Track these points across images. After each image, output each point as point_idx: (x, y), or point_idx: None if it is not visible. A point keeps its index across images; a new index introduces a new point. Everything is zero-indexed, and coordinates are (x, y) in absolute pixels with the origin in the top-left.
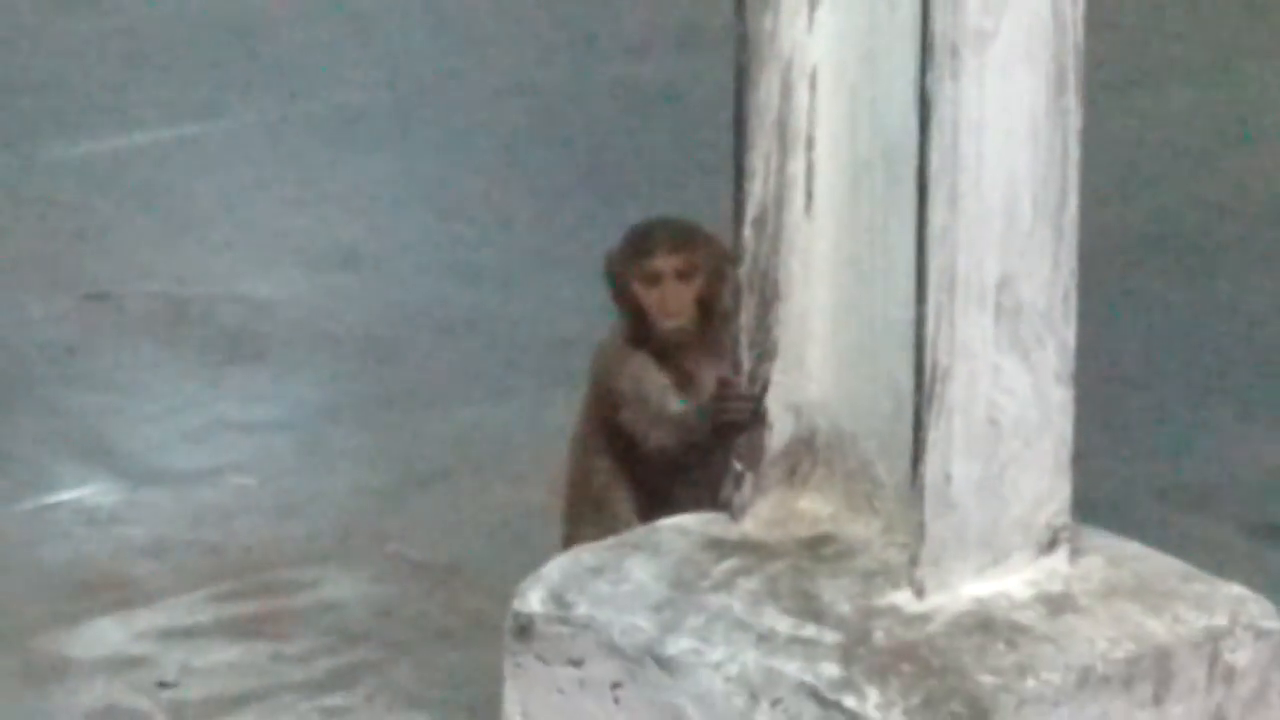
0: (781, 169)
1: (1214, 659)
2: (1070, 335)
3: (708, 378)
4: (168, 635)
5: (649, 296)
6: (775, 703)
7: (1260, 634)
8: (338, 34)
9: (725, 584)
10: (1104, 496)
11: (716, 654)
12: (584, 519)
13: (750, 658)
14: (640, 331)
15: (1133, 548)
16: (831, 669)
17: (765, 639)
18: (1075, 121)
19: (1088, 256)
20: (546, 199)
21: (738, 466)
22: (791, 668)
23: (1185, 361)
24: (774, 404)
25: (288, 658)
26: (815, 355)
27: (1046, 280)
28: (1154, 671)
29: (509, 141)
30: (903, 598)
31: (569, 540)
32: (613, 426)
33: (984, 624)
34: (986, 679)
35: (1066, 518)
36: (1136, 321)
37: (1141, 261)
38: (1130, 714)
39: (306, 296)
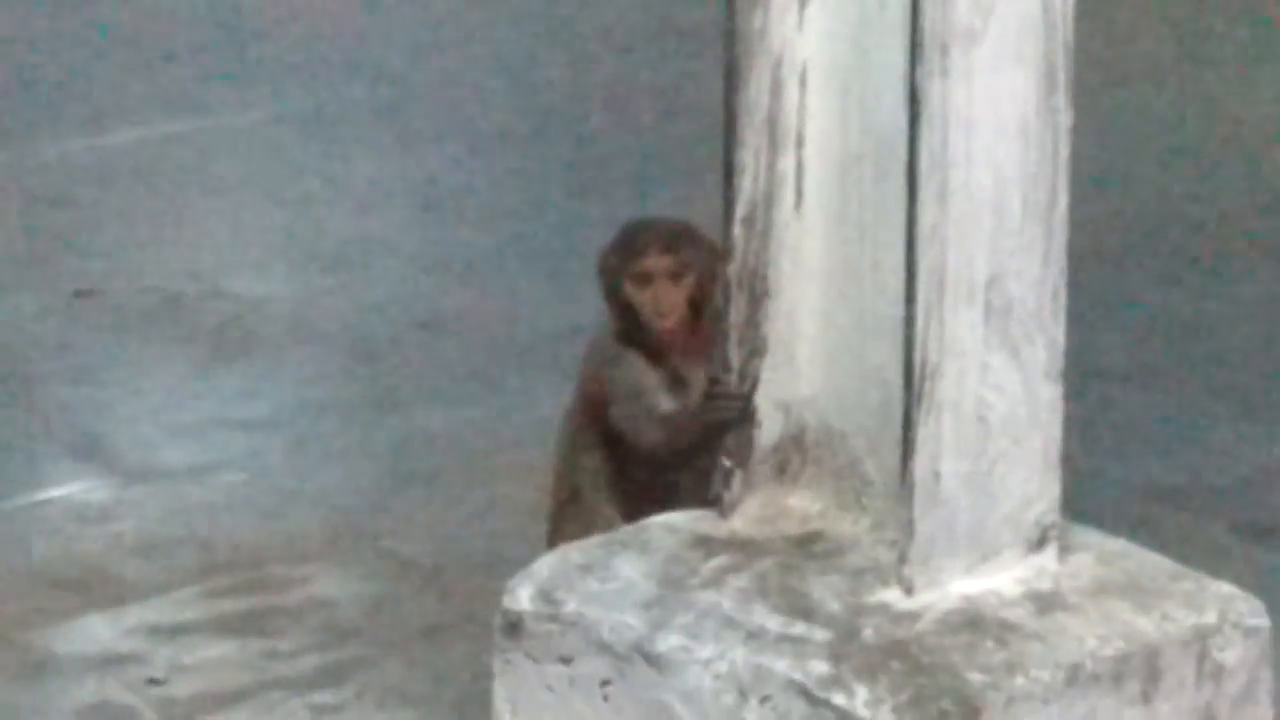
0: (771, 166)
1: (1203, 657)
2: (1060, 333)
3: (698, 377)
4: (157, 632)
5: (640, 296)
6: (764, 700)
7: (1249, 632)
8: (326, 32)
9: (714, 581)
10: (1093, 494)
11: (706, 651)
12: (570, 516)
13: (739, 655)
14: (631, 330)
15: (1122, 546)
16: (820, 666)
17: (754, 636)
18: (1065, 119)
19: (1078, 254)
20: (535, 196)
21: (727, 464)
22: (780, 665)
23: (1175, 359)
24: (763, 401)
25: (277, 655)
26: (805, 353)
27: (1036, 278)
28: (1143, 669)
29: (497, 139)
30: (892, 595)
31: (554, 538)
32: (601, 424)
33: (973, 622)
34: (975, 676)
35: (1056, 515)
36: (1127, 319)
37: (1132, 259)
38: (1119, 712)
39: (296, 294)
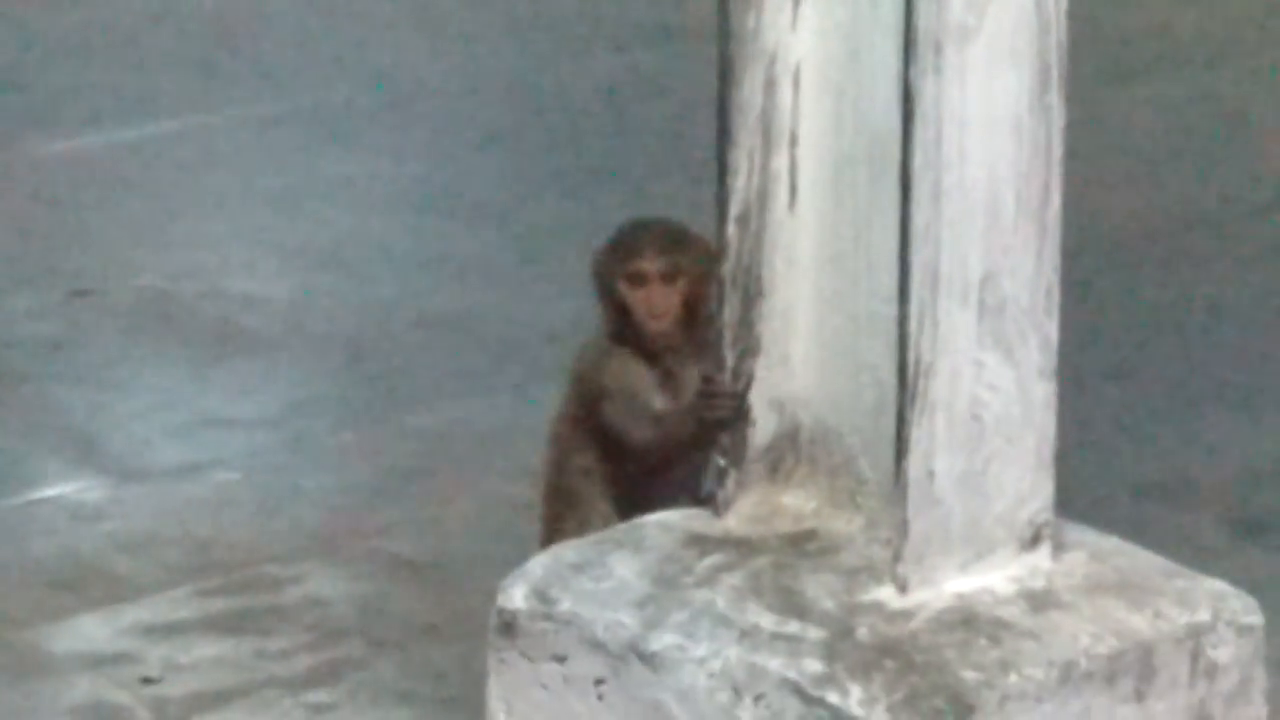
0: (765, 165)
1: (1196, 654)
2: (1053, 331)
3: (691, 377)
4: (151, 631)
5: (634, 297)
6: (758, 698)
7: (1242, 630)
8: (320, 31)
9: (708, 580)
10: (1087, 492)
11: (700, 650)
12: (561, 516)
13: (733, 653)
14: (624, 331)
15: (1115, 544)
16: (815, 665)
17: (748, 635)
18: (1058, 117)
19: (1071, 252)
20: (530, 196)
21: (721, 462)
22: (775, 664)
23: (1168, 357)
24: (757, 400)
25: (271, 653)
26: (799, 351)
27: (1029, 276)
28: (1136, 667)
29: (492, 138)
30: (886, 594)
31: (548, 537)
32: (594, 423)
33: (967, 620)
34: (969, 675)
35: (1049, 514)
36: (1120, 317)
37: (1125, 257)
38: (1113, 710)
39: (290, 293)
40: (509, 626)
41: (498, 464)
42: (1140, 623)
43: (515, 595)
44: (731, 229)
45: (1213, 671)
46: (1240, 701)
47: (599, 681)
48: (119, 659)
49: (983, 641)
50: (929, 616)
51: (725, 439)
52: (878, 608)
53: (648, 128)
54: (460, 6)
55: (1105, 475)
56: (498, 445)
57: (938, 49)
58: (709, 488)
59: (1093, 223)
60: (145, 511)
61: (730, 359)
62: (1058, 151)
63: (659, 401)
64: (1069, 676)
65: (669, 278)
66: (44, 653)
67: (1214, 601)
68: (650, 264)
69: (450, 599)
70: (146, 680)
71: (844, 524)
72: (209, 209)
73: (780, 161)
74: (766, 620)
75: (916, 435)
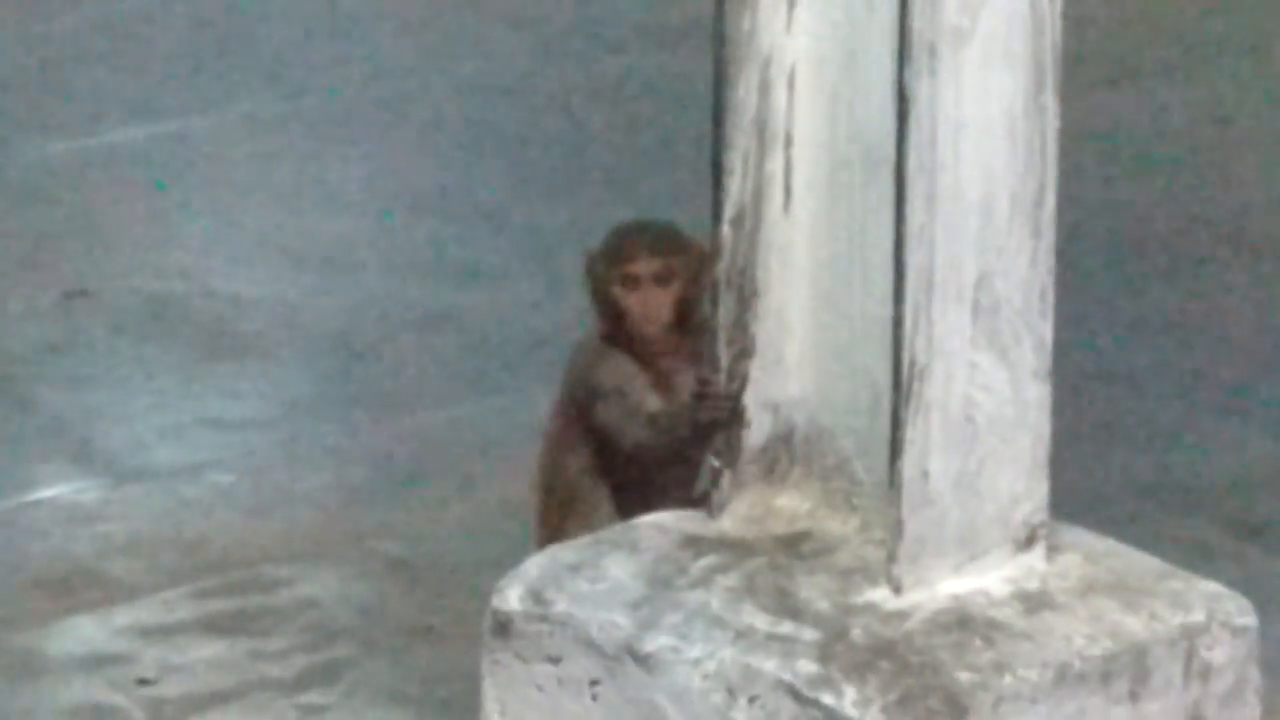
0: (760, 167)
1: (1190, 656)
2: (1048, 332)
3: (685, 379)
4: (146, 632)
5: (628, 300)
6: (753, 700)
7: (1236, 631)
8: (318, 32)
9: (703, 581)
10: (1082, 494)
11: (694, 651)
12: (556, 517)
13: (728, 655)
14: (618, 333)
15: (1110, 545)
16: (809, 666)
17: (743, 636)
18: (1053, 119)
19: (1066, 253)
20: (526, 197)
21: (715, 464)
22: (769, 665)
23: (1164, 358)
24: (752, 401)
25: (266, 655)
26: (793, 353)
27: (1024, 277)
28: (1131, 668)
29: (489, 139)
30: (880, 595)
31: (542, 538)
32: (587, 424)
33: (961, 621)
34: (964, 676)
35: (1044, 515)
36: (1115, 318)
37: (1121, 258)
38: (1107, 711)
39: (286, 294)
40: (504, 628)
41: (493, 465)
42: (1135, 624)
43: (510, 597)
44: (726, 230)
45: (1207, 672)
46: (1234, 703)
47: (594, 683)
48: (114, 660)
49: (977, 642)
50: (924, 617)
51: (720, 440)
52: (872, 609)
53: (644, 129)
54: (457, 8)
55: (1101, 477)
56: (493, 446)
57: (932, 51)
58: (703, 489)
59: (1088, 224)
60: (140, 513)
61: (725, 360)
62: (1052, 153)
63: (653, 403)
64: (1063, 678)
65: (663, 280)
66: (39, 654)
67: (1208, 603)
68: (644, 267)
69: (445, 600)
70: (142, 681)
71: (839, 525)
72: (204, 210)
73: (775, 163)
74: (761, 621)
75: (911, 436)
